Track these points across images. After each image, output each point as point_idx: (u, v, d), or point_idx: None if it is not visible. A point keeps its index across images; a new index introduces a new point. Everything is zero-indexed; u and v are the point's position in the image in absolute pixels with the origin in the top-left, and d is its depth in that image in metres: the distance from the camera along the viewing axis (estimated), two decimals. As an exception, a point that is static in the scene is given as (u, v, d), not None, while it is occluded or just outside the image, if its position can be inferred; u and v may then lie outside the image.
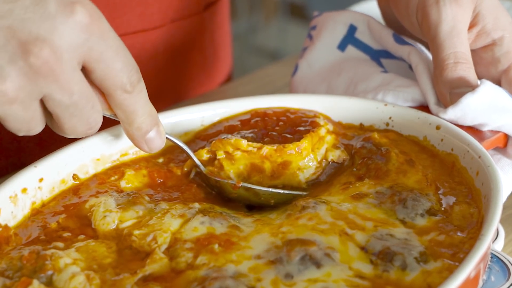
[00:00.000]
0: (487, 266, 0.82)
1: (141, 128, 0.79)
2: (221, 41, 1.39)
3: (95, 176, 0.90)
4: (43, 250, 0.73)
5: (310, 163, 0.88)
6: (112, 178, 0.89)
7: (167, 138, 0.85)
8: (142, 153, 0.94)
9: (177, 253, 0.73)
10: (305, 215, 0.78)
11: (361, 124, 0.95)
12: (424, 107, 0.96)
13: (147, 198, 0.84)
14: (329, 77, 1.08)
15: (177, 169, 0.90)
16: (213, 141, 0.89)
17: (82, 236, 0.78)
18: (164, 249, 0.74)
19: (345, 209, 0.79)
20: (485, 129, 0.92)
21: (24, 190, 0.83)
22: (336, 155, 0.89)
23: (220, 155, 0.87)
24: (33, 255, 0.72)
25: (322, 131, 0.90)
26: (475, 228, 0.74)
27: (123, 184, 0.88)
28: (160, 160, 0.94)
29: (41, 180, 0.85)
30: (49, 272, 0.71)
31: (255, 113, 0.95)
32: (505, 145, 0.92)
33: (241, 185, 0.86)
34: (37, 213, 0.83)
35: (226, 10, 1.40)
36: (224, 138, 0.88)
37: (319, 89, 1.09)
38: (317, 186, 0.88)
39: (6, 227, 0.79)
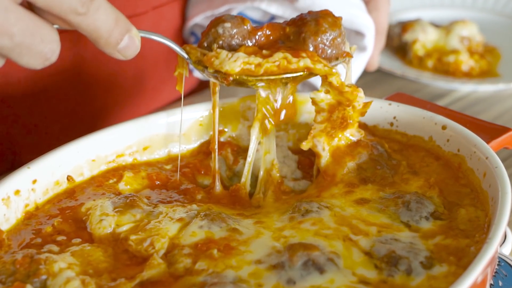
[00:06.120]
0: (495, 270, 0.81)
1: (109, 42, 0.74)
2: None
3: (92, 178, 0.88)
4: (37, 254, 0.71)
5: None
6: (111, 181, 0.87)
7: (147, 36, 0.80)
8: (142, 157, 0.93)
9: (175, 259, 0.71)
10: (308, 220, 0.76)
11: (364, 124, 0.94)
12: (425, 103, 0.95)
13: (145, 200, 0.82)
14: None
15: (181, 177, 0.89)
16: (205, 56, 0.83)
17: (77, 240, 0.77)
18: (162, 254, 0.73)
19: (348, 214, 0.77)
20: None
21: (17, 192, 0.81)
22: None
23: (211, 71, 0.82)
24: (27, 259, 0.71)
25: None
26: (481, 232, 0.73)
27: (121, 186, 0.87)
28: (168, 167, 0.92)
29: (34, 181, 0.83)
30: (43, 277, 0.69)
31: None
32: (514, 145, 0.92)
33: (232, 80, 0.82)
34: (30, 216, 0.81)
35: None
36: (213, 54, 0.82)
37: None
38: (318, 184, 0.86)
39: (-2, 230, 0.77)
